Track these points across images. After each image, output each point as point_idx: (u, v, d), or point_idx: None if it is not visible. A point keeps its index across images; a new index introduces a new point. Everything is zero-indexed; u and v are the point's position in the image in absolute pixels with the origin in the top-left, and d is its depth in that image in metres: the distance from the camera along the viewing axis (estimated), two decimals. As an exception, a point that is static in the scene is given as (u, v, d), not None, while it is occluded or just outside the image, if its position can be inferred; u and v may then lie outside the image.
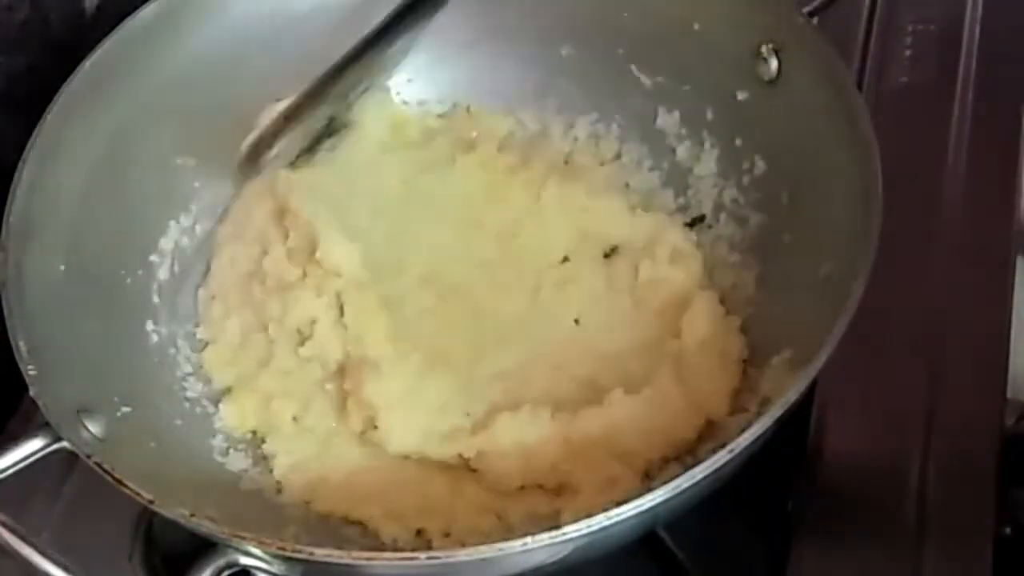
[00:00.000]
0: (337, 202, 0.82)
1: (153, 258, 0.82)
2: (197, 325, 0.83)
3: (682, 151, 0.86)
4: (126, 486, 0.59)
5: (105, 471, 0.59)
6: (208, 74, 0.85)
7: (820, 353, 0.60)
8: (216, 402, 0.79)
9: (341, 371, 0.77)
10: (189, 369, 0.80)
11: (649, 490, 0.56)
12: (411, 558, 0.59)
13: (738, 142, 0.83)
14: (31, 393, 0.62)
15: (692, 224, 0.84)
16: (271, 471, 0.75)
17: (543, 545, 0.55)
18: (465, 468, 0.72)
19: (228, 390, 0.79)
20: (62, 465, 0.75)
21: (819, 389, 0.74)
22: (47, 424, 0.61)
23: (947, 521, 0.70)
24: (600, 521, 0.55)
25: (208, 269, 0.85)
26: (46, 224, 0.72)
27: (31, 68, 0.87)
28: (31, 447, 0.61)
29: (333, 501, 0.73)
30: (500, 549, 0.55)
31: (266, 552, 0.58)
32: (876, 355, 0.76)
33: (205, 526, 0.58)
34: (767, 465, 0.64)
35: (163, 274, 0.82)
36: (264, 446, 0.76)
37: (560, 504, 0.71)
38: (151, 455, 0.70)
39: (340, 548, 0.58)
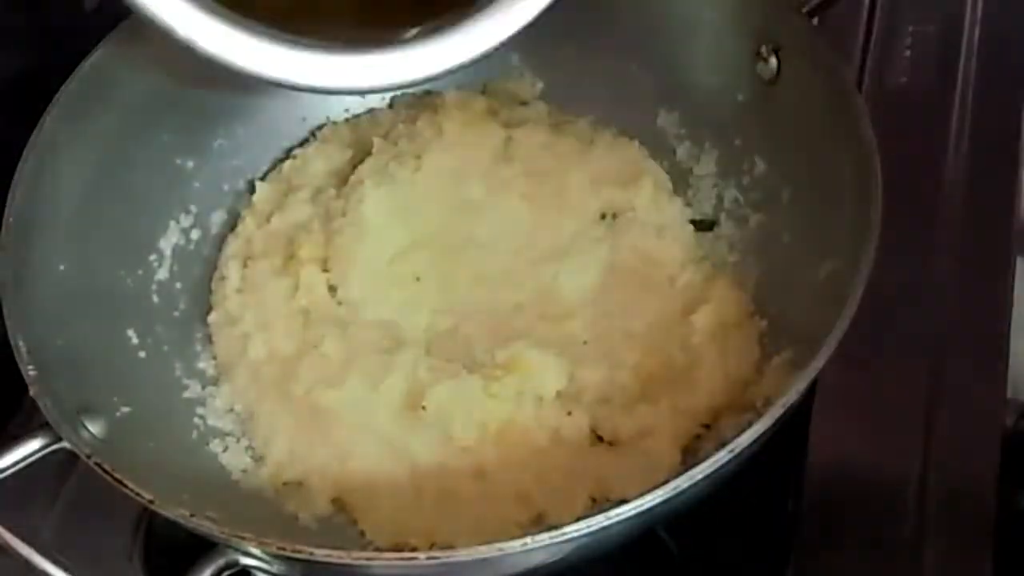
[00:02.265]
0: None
1: (153, 258, 0.82)
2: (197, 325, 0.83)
3: (682, 151, 0.86)
4: (126, 486, 0.59)
5: (105, 471, 0.59)
6: (208, 74, 0.85)
7: (820, 353, 0.60)
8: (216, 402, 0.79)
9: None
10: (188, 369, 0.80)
11: (649, 490, 0.56)
12: (411, 558, 0.59)
13: (738, 142, 0.83)
14: (31, 393, 0.62)
15: (699, 227, 0.84)
16: (266, 463, 0.75)
17: (543, 545, 0.55)
18: (472, 475, 0.72)
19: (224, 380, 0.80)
20: (62, 465, 0.75)
21: (819, 389, 0.74)
22: (47, 424, 0.61)
23: (947, 521, 0.70)
24: (600, 521, 0.55)
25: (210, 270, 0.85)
26: (46, 224, 0.72)
27: (31, 68, 0.87)
28: (31, 447, 0.61)
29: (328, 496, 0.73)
30: (500, 549, 0.55)
31: (266, 552, 0.58)
32: (876, 355, 0.76)
33: (205, 526, 0.58)
34: (767, 465, 0.64)
35: (163, 274, 0.82)
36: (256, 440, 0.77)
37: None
38: (151, 455, 0.70)
39: (340, 548, 0.58)
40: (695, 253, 0.82)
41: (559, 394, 0.74)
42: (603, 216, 0.84)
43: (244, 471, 0.76)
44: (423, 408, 0.72)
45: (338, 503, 0.74)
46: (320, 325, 0.78)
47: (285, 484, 0.74)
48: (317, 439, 0.75)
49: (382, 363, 0.75)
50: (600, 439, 0.74)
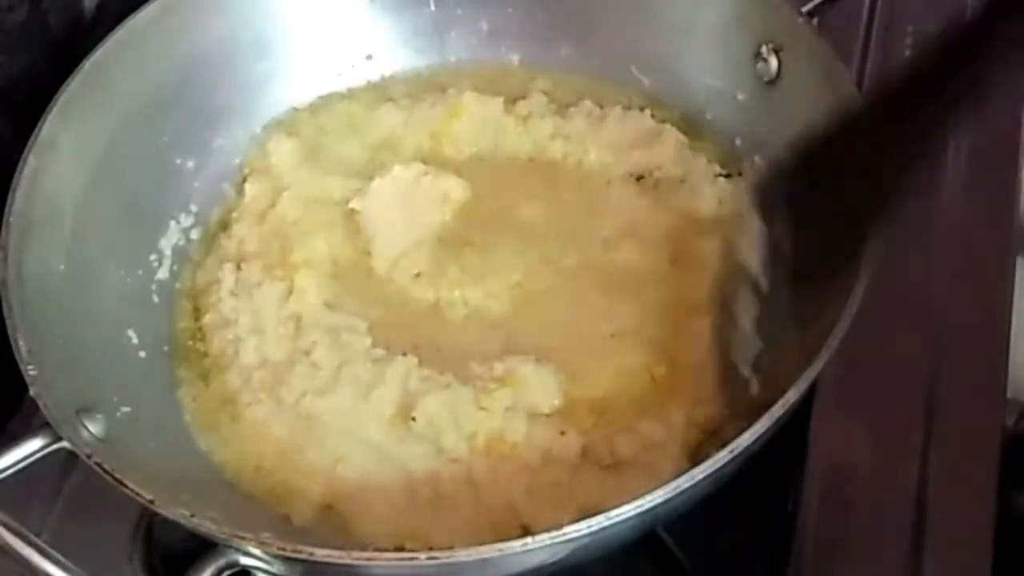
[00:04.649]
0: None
1: (153, 258, 0.82)
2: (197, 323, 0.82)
3: (682, 150, 0.86)
4: (126, 486, 0.59)
5: (105, 471, 0.59)
6: (208, 74, 0.85)
7: (820, 353, 0.60)
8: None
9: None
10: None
11: (649, 490, 0.56)
12: (411, 558, 0.59)
13: (738, 142, 0.83)
14: (31, 393, 0.62)
15: None
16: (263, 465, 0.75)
17: (543, 545, 0.55)
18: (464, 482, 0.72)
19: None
20: (62, 465, 0.75)
21: (819, 389, 0.74)
22: (47, 424, 0.61)
23: (947, 522, 0.70)
24: (600, 521, 0.55)
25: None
26: (46, 224, 0.72)
27: (31, 68, 0.87)
28: (31, 447, 0.61)
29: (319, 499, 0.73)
30: (500, 549, 0.56)
31: (266, 552, 0.58)
32: (876, 355, 0.76)
33: (205, 526, 0.58)
34: (767, 465, 0.64)
35: (163, 274, 0.82)
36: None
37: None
38: (151, 455, 0.70)
39: (340, 549, 0.58)
40: (728, 206, 0.81)
41: (555, 412, 0.72)
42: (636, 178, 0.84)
43: (243, 471, 0.75)
44: (412, 419, 0.72)
45: (331, 508, 0.73)
46: (312, 332, 0.77)
47: (281, 486, 0.74)
48: (307, 445, 0.74)
49: (373, 372, 0.75)
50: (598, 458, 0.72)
